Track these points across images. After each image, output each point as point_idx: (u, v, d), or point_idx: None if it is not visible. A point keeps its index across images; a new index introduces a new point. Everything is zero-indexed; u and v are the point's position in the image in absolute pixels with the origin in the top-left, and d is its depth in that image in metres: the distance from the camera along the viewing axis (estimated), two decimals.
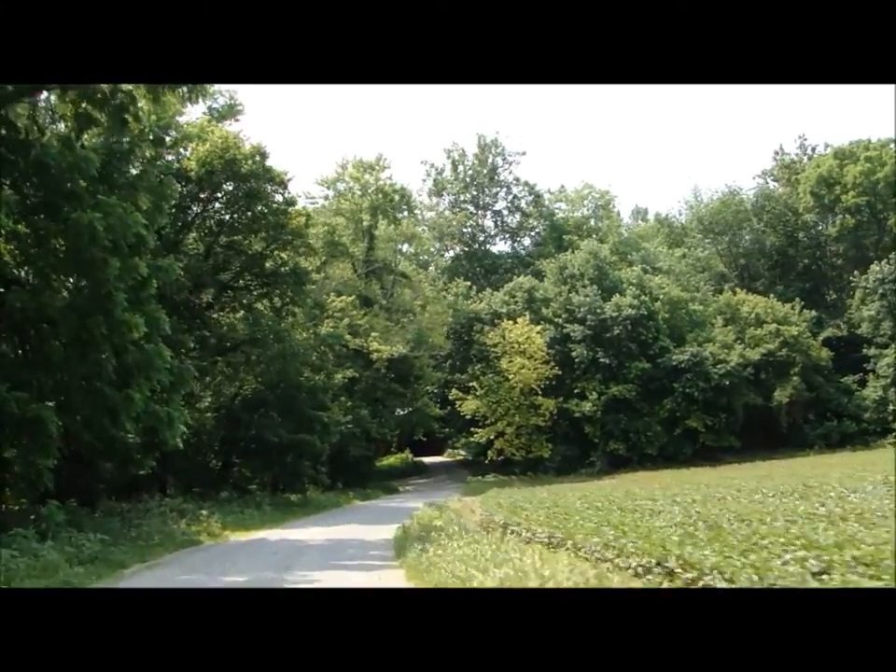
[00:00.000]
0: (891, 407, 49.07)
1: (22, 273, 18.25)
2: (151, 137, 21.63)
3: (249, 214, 30.64)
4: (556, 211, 73.53)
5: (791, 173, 67.01)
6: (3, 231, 16.69)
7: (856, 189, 57.56)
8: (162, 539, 18.51)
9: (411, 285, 52.61)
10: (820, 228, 63.39)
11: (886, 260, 52.39)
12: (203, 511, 23.25)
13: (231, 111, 33.80)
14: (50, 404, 15.89)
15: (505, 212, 71.53)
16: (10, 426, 14.89)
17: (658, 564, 9.42)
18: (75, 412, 17.12)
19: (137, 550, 16.67)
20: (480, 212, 71.19)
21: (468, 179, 70.75)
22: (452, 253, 70.98)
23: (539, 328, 50.88)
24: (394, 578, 12.23)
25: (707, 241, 67.77)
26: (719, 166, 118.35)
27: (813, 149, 68.16)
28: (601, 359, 50.24)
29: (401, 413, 49.76)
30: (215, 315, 31.70)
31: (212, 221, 31.14)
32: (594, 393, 49.69)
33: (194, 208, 30.48)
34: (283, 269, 31.43)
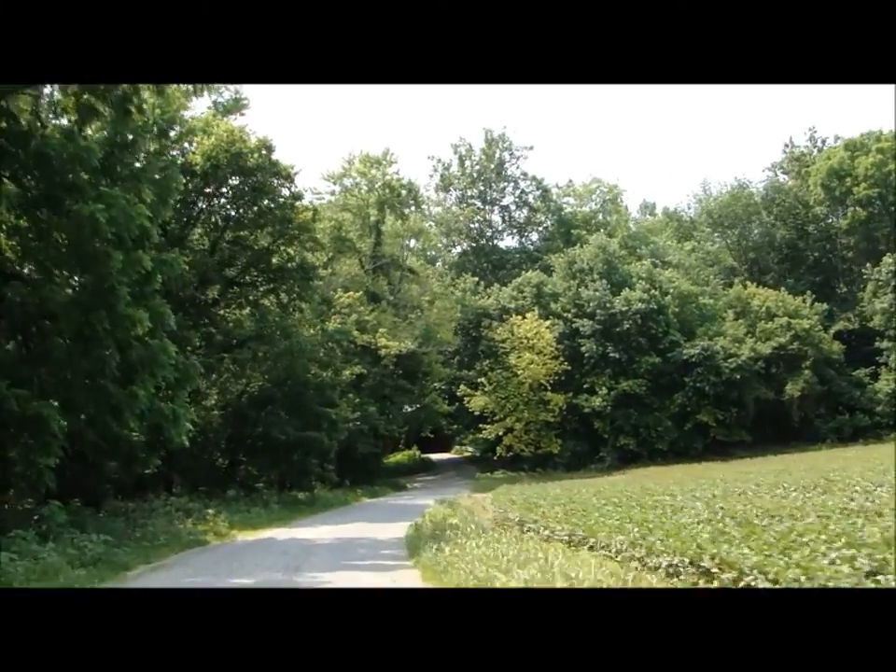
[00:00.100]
0: None
1: (24, 269, 17.80)
2: (155, 130, 21.18)
3: (255, 208, 30.19)
4: (564, 206, 73.06)
5: (802, 165, 66.30)
6: (3, 226, 16.27)
7: (867, 181, 56.84)
8: (168, 539, 18.05)
9: (418, 280, 52.15)
10: (831, 221, 62.65)
11: None
12: (210, 511, 22.85)
13: (236, 105, 33.40)
14: (53, 403, 15.48)
15: (513, 207, 71.20)
16: (11, 424, 14.44)
17: (691, 563, 8.94)
18: (77, 409, 16.69)
19: (142, 551, 16.21)
20: (487, 207, 70.75)
21: (475, 174, 70.31)
22: (459, 249, 70.58)
23: (547, 323, 50.39)
24: (409, 579, 11.75)
25: (716, 235, 67.17)
26: (727, 160, 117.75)
27: (823, 142, 67.51)
28: (611, 354, 49.73)
29: (409, 409, 49.29)
30: (221, 312, 31.27)
31: (217, 216, 30.68)
32: (603, 388, 49.20)
33: (199, 203, 30.01)
34: (289, 264, 30.96)
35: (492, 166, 69.82)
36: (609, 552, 11.03)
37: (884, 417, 49.28)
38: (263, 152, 28.78)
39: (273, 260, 31.20)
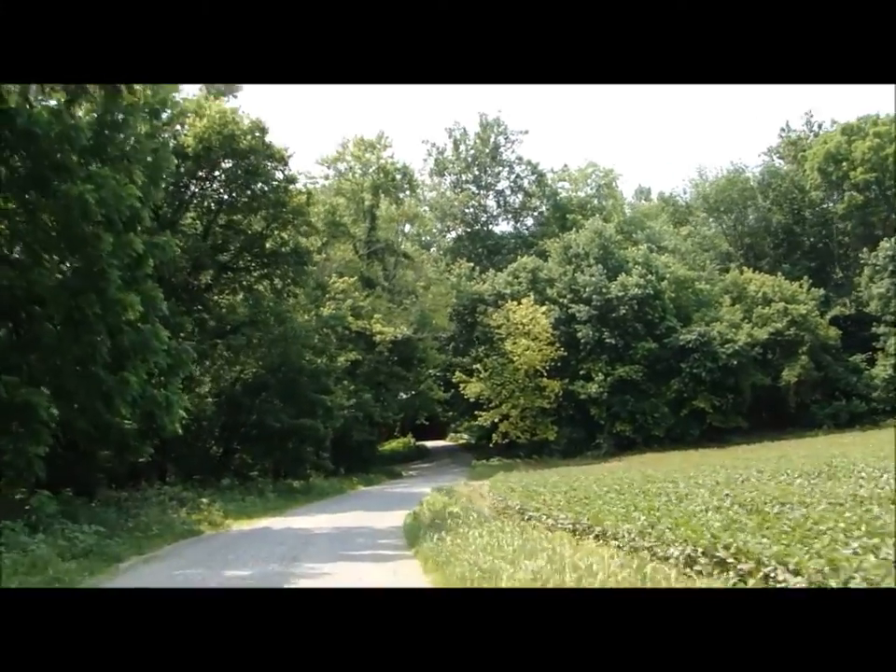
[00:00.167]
0: None
1: (11, 252, 17.30)
2: (146, 111, 20.67)
3: (249, 192, 29.71)
4: (559, 190, 72.48)
5: (798, 150, 66.10)
6: None
7: (864, 166, 56.59)
8: (161, 529, 17.67)
9: (413, 266, 51.71)
10: (827, 206, 62.40)
11: None
12: (204, 500, 22.51)
13: (228, 87, 32.78)
14: (43, 390, 15.09)
15: (508, 192, 70.71)
16: None
17: (704, 553, 8.60)
18: (68, 396, 16.29)
19: (134, 541, 15.81)
20: (482, 192, 70.22)
21: (469, 159, 69.75)
22: (454, 234, 70.06)
23: (543, 308, 50.11)
24: (410, 570, 11.42)
25: (711, 220, 66.93)
26: (723, 144, 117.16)
27: (820, 126, 67.33)
28: (607, 340, 49.50)
29: (404, 396, 49.01)
30: (214, 297, 30.82)
31: (210, 200, 30.20)
32: (600, 374, 49.00)
33: (192, 187, 29.50)
34: (283, 249, 30.55)
35: (487, 150, 69.27)
36: (617, 541, 10.69)
37: (880, 403, 49.34)
38: (257, 134, 28.28)
39: (267, 245, 30.76)
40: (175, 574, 12.14)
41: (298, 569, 12.15)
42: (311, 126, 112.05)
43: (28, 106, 16.49)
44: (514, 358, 48.59)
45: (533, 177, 69.93)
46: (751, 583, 7.45)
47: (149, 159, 18.13)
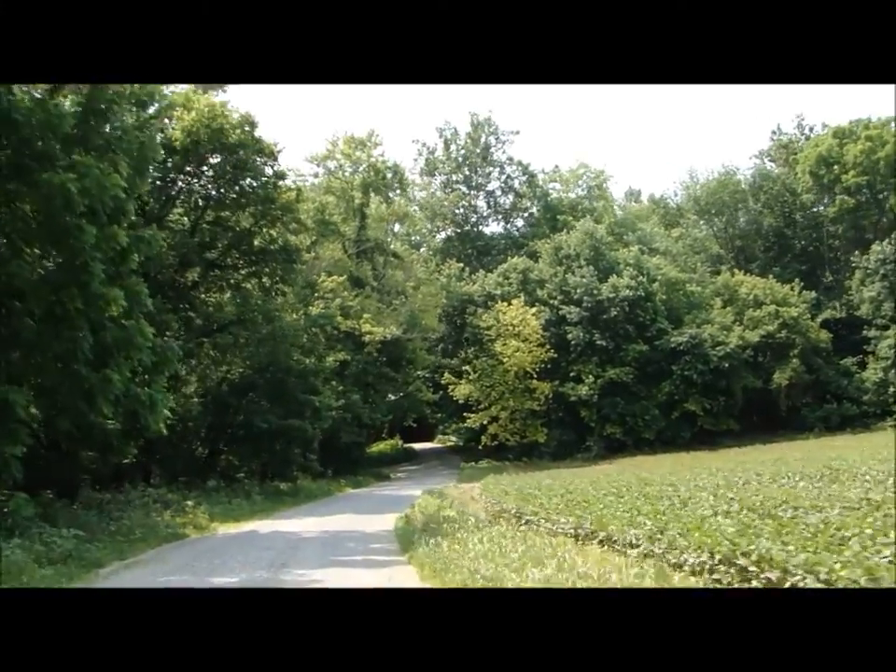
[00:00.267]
0: (892, 389, 48.25)
1: None
2: (133, 101, 20.09)
3: (237, 188, 29.09)
4: (550, 191, 72.02)
5: (789, 153, 65.96)
6: None
7: (856, 169, 56.44)
8: (144, 532, 17.07)
9: (403, 266, 51.12)
10: (818, 209, 62.29)
11: (887, 241, 51.48)
12: (189, 502, 21.95)
13: None
14: (21, 388, 14.48)
15: (498, 192, 70.09)
16: None
17: (722, 560, 8.13)
18: (49, 395, 15.68)
19: (116, 546, 15.22)
20: (472, 192, 69.57)
21: (460, 159, 69.15)
22: (444, 234, 69.46)
23: (533, 309, 49.63)
24: (405, 577, 10.89)
25: (702, 222, 66.73)
26: (713, 147, 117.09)
27: (811, 129, 67.19)
28: (598, 342, 49.03)
29: (393, 398, 48.39)
30: (201, 295, 30.11)
31: (198, 196, 29.50)
32: (590, 376, 48.53)
33: (179, 182, 28.83)
34: (272, 246, 29.89)
35: (477, 151, 68.72)
36: (624, 546, 10.21)
37: (871, 406, 49.20)
38: (246, 128, 27.66)
39: (255, 242, 30.10)
40: (159, 580, 11.58)
41: (287, 576, 11.63)
42: (300, 123, 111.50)
43: (9, 93, 15.94)
44: (504, 360, 48.08)
45: (524, 178, 69.42)
46: None
47: (135, 150, 17.55)
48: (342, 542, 15.97)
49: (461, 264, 57.62)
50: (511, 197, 69.76)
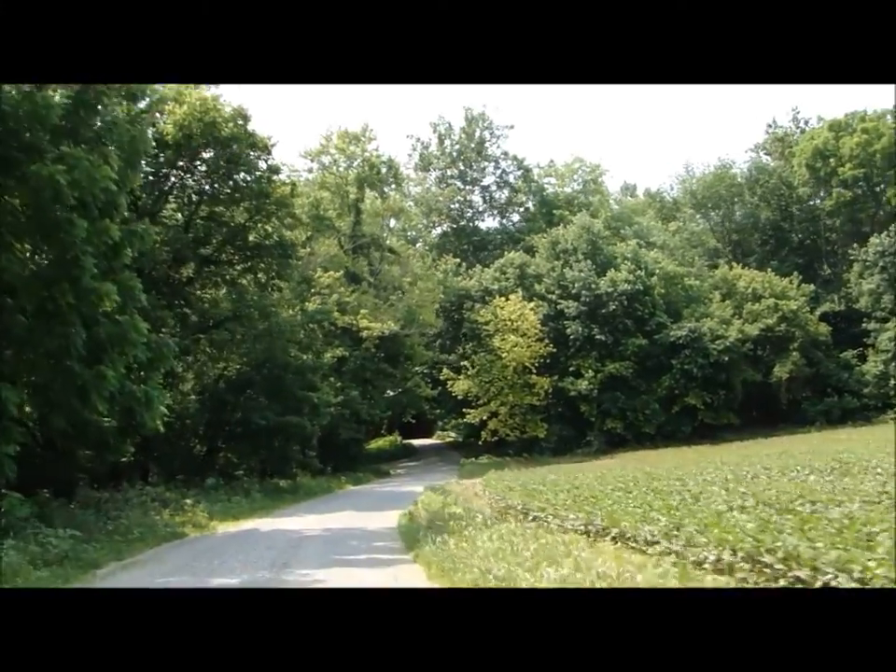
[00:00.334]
0: (893, 382, 47.97)
1: None
2: (123, 93, 19.64)
3: (231, 183, 28.63)
4: (546, 186, 71.63)
5: (785, 146, 65.74)
6: None
7: (852, 162, 56.19)
8: (143, 532, 16.66)
9: (399, 261, 50.66)
10: (815, 202, 62.05)
11: (886, 233, 51.19)
12: (188, 500, 21.57)
13: None
14: (13, 384, 14.07)
15: (493, 187, 69.61)
16: None
17: (744, 558, 7.78)
18: (42, 392, 15.28)
19: (114, 546, 14.81)
20: (467, 187, 69.13)
21: (454, 154, 68.71)
22: (439, 230, 69.02)
23: (531, 304, 49.25)
24: (411, 576, 10.53)
25: (698, 216, 66.45)
26: (709, 140, 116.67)
27: (806, 122, 66.99)
28: (597, 336, 48.72)
29: (391, 393, 48.03)
30: (196, 291, 29.63)
31: (191, 191, 29.04)
32: (589, 371, 48.25)
33: (172, 177, 28.38)
34: (267, 241, 29.45)
35: (472, 145, 68.28)
36: (638, 544, 9.85)
37: (871, 399, 48.93)
38: (239, 122, 27.20)
39: (250, 237, 29.67)
40: (157, 582, 11.20)
41: (290, 576, 11.26)
42: (293, 119, 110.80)
43: None
44: (503, 355, 47.71)
45: (519, 173, 68.99)
46: None
47: (126, 142, 17.12)
48: (344, 540, 15.62)
49: (457, 259, 57.25)
50: (506, 192, 69.33)
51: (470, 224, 68.90)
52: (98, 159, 14.88)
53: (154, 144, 23.71)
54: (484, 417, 48.01)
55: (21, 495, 14.32)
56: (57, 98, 16.31)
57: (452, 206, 67.96)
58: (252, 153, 28.25)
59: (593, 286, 49.30)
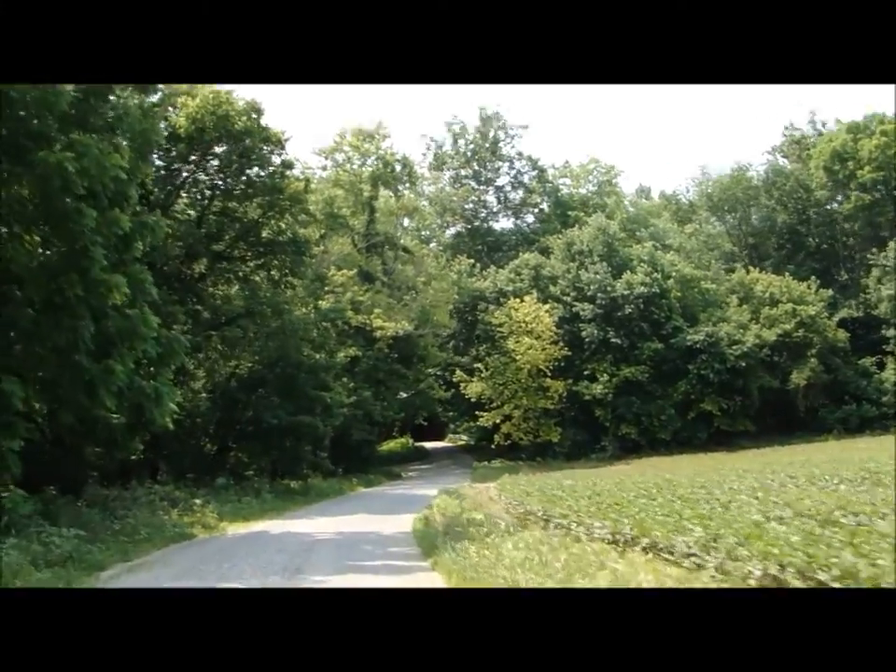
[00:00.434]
0: None
1: None
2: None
3: (244, 178, 28.30)
4: (561, 187, 71.08)
5: (802, 149, 64.90)
6: None
7: (871, 164, 55.26)
8: (150, 532, 16.20)
9: (413, 260, 50.14)
10: (832, 206, 61.17)
11: None
12: (197, 500, 21.12)
13: None
14: (20, 378, 13.64)
15: (508, 187, 69.09)
16: None
17: (795, 574, 7.20)
18: (49, 387, 14.85)
19: (120, 547, 14.35)
20: (482, 187, 68.69)
21: (469, 153, 68.26)
22: (453, 230, 68.50)
23: (546, 306, 48.66)
24: (431, 584, 9.98)
25: (714, 219, 65.72)
26: (725, 143, 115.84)
27: (823, 124, 66.12)
28: (612, 339, 48.13)
29: (404, 395, 47.56)
30: (208, 288, 29.34)
31: (204, 186, 28.72)
32: (604, 375, 47.65)
33: (184, 172, 27.99)
34: (280, 237, 29.10)
35: (486, 145, 67.80)
36: (673, 555, 9.27)
37: (890, 408, 47.89)
38: (252, 115, 26.80)
39: (264, 233, 29.33)
40: (163, 586, 10.70)
41: (302, 583, 10.74)
42: (307, 117, 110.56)
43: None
44: (517, 357, 47.18)
45: (533, 173, 68.49)
46: None
47: (137, 132, 16.70)
48: (358, 545, 15.10)
49: (472, 260, 56.77)
50: (520, 192, 68.81)
51: (485, 224, 68.44)
52: (108, 147, 14.47)
53: (166, 137, 23.34)
54: (498, 420, 47.52)
55: (24, 491, 13.86)
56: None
57: (466, 206, 67.48)
58: (265, 147, 27.90)
59: (608, 288, 48.71)
